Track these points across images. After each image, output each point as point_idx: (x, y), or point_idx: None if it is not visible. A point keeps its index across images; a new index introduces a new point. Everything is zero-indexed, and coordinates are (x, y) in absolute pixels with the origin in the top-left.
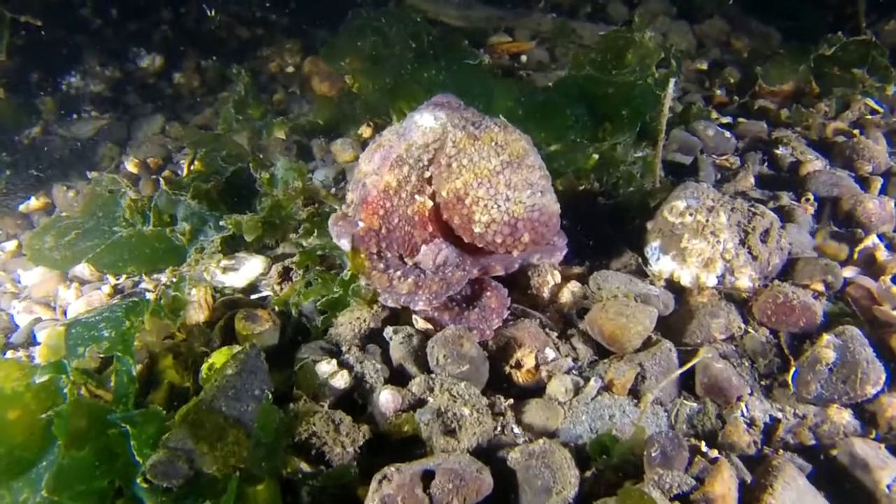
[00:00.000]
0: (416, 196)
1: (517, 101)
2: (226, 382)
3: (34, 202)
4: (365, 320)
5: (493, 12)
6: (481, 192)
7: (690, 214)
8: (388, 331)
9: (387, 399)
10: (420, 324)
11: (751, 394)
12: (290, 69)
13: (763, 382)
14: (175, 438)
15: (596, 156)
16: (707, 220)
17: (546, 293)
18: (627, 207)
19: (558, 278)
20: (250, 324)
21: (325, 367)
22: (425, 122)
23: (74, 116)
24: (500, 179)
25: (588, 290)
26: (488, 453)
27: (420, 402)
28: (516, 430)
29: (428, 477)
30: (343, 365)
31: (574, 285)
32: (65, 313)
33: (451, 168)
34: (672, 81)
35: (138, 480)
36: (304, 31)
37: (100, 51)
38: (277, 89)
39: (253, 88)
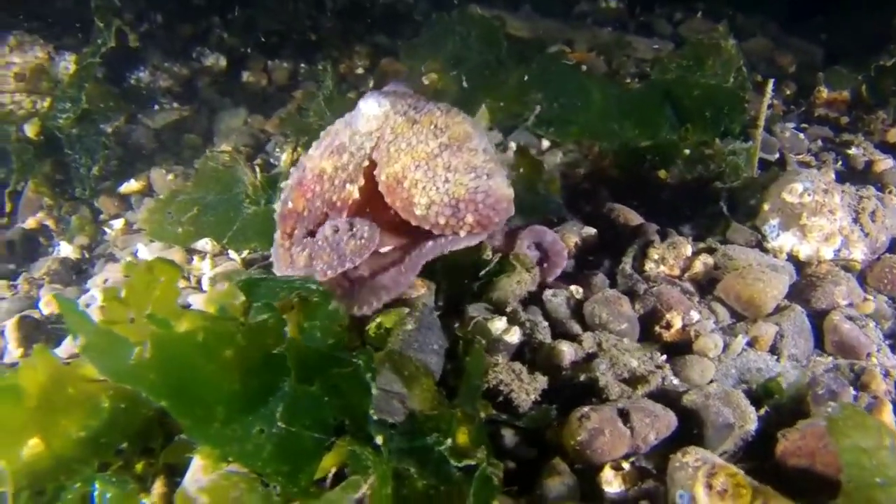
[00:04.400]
0: (348, 185)
1: (613, 100)
2: (409, 336)
3: (134, 184)
4: (525, 283)
5: (554, 24)
6: (419, 175)
7: (808, 195)
8: (548, 293)
9: (564, 351)
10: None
11: (878, 351)
12: (360, 70)
13: (888, 342)
14: (383, 380)
15: (687, 151)
16: (824, 200)
17: (680, 264)
18: (744, 191)
19: (689, 251)
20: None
21: (499, 324)
22: (369, 109)
23: (156, 107)
24: (439, 162)
25: (719, 261)
26: (658, 400)
27: (590, 356)
28: (675, 381)
29: (622, 414)
30: (513, 323)
31: (705, 257)
32: (199, 282)
33: (389, 153)
34: (771, 81)
35: (371, 412)
36: (361, 37)
37: (162, 51)
38: (349, 90)
39: (337, 85)
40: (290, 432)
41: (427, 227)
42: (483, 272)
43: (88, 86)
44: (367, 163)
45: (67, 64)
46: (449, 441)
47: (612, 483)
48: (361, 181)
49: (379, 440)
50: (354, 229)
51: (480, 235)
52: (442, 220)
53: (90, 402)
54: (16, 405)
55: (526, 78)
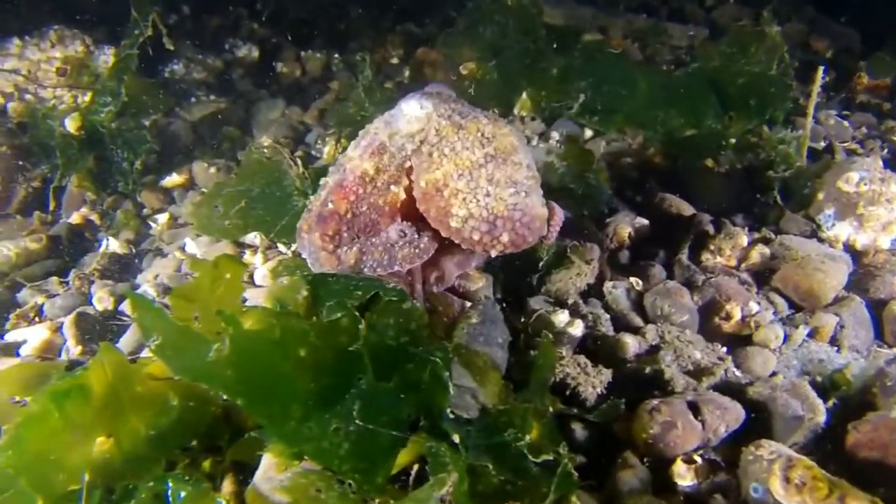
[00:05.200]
0: (392, 186)
1: (658, 88)
2: (474, 330)
3: (176, 178)
4: (585, 275)
5: (588, 11)
6: (461, 185)
7: (865, 184)
8: (608, 285)
9: (629, 344)
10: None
11: None
12: (395, 60)
13: None
14: (454, 375)
15: (733, 140)
16: (881, 189)
17: (737, 254)
18: (796, 180)
19: (746, 241)
20: (464, 282)
21: (562, 316)
22: (411, 110)
23: (193, 100)
24: (482, 173)
25: (775, 251)
26: (722, 392)
27: (653, 348)
28: (738, 372)
29: (692, 407)
30: (575, 315)
31: (762, 247)
32: (251, 277)
33: (431, 157)
34: (821, 69)
35: (447, 410)
36: (391, 26)
37: (193, 43)
38: (385, 80)
39: (375, 75)
40: (367, 429)
41: (457, 241)
42: (542, 264)
43: (127, 78)
44: (408, 163)
45: (107, 57)
46: (528, 437)
47: (685, 477)
48: (405, 181)
49: (456, 438)
50: (413, 237)
51: None
52: (476, 237)
53: (159, 401)
54: (85, 404)
55: (569, 66)
